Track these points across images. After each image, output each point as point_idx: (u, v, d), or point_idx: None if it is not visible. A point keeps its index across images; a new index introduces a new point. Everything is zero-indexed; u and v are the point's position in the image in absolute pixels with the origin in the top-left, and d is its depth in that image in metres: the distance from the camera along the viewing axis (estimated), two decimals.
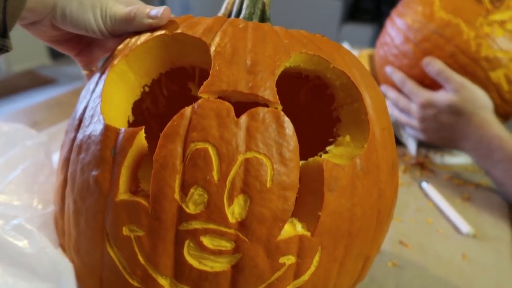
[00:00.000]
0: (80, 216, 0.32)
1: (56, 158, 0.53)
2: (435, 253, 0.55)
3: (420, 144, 0.80)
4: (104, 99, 0.33)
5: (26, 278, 0.35)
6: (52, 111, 0.88)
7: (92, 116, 0.33)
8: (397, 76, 0.73)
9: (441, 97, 0.67)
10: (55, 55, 3.45)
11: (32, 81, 2.90)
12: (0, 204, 0.39)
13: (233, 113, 0.29)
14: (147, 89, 0.37)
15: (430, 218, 0.62)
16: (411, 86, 0.71)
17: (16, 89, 2.72)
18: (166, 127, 0.29)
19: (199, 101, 0.30)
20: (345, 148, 0.34)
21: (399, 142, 0.81)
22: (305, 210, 0.32)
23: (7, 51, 0.34)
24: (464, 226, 0.59)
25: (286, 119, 0.30)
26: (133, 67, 0.35)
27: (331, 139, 0.36)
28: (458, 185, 0.71)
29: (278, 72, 0.32)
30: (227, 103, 0.30)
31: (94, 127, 0.32)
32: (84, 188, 0.32)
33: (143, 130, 0.30)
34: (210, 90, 0.30)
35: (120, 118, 0.34)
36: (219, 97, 0.30)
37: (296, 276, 0.31)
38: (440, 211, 0.64)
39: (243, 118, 0.29)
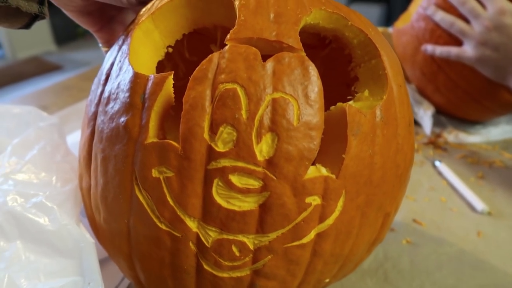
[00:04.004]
0: (109, 163, 0.33)
1: (69, 140, 0.54)
2: (449, 230, 0.55)
3: (435, 123, 0.80)
4: (131, 53, 0.34)
5: (48, 254, 0.35)
6: (60, 95, 0.89)
7: (120, 68, 0.34)
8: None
9: None
10: (60, 42, 3.49)
11: (37, 67, 2.94)
12: (19, 183, 0.39)
13: (260, 57, 0.30)
14: (170, 50, 0.38)
15: (444, 196, 0.62)
16: None
17: (22, 76, 2.75)
18: (195, 71, 0.30)
19: (227, 47, 0.31)
20: (364, 102, 0.35)
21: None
22: (329, 156, 0.32)
23: (43, 18, 0.35)
24: (479, 204, 0.59)
25: (311, 64, 0.31)
26: (158, 26, 0.36)
27: (349, 97, 0.37)
28: (472, 163, 0.71)
29: (300, 24, 0.33)
30: (254, 48, 0.31)
31: (123, 77, 0.33)
32: (113, 135, 0.32)
33: (172, 75, 0.31)
34: (237, 37, 0.31)
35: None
36: None
37: (321, 219, 0.32)
38: (454, 190, 0.64)
39: (270, 62, 0.30)
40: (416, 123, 0.82)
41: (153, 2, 0.37)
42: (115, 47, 0.37)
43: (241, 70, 0.30)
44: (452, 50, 0.69)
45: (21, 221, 0.35)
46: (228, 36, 0.31)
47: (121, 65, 0.34)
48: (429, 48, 0.73)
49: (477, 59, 0.67)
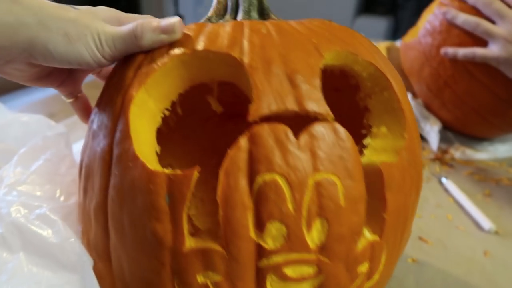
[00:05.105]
0: (142, 272, 0.29)
1: (76, 148, 0.50)
2: (455, 249, 0.53)
3: (441, 139, 0.78)
4: (135, 140, 0.29)
5: (51, 267, 0.34)
6: (67, 103, 0.84)
7: (125, 161, 0.29)
8: (480, 2, 0.66)
9: None
10: None
11: None
12: (23, 194, 0.38)
13: (292, 135, 0.28)
14: (167, 113, 0.33)
15: (450, 214, 0.61)
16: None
17: None
18: (224, 162, 0.27)
19: (253, 129, 0.27)
20: (383, 140, 0.34)
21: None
22: (367, 213, 0.32)
23: None
24: (486, 223, 0.57)
25: (343, 131, 0.29)
26: (152, 95, 0.31)
27: (363, 131, 0.36)
28: (479, 181, 0.70)
29: (319, 78, 0.30)
30: (282, 125, 0.28)
31: (134, 174, 0.29)
32: (141, 242, 0.29)
33: (196, 172, 0.28)
34: (259, 114, 0.28)
35: (150, 153, 0.31)
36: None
37: (368, 278, 0.32)
38: (461, 207, 0.62)
39: (303, 138, 0.28)
40: (423, 139, 0.78)
41: (137, 64, 0.31)
42: (100, 126, 0.32)
43: (276, 156, 0.27)
44: (477, 51, 0.66)
45: (24, 232, 0.35)
46: (251, 114, 0.28)
47: (126, 156, 0.29)
48: (450, 51, 0.69)
49: (505, 59, 0.65)
